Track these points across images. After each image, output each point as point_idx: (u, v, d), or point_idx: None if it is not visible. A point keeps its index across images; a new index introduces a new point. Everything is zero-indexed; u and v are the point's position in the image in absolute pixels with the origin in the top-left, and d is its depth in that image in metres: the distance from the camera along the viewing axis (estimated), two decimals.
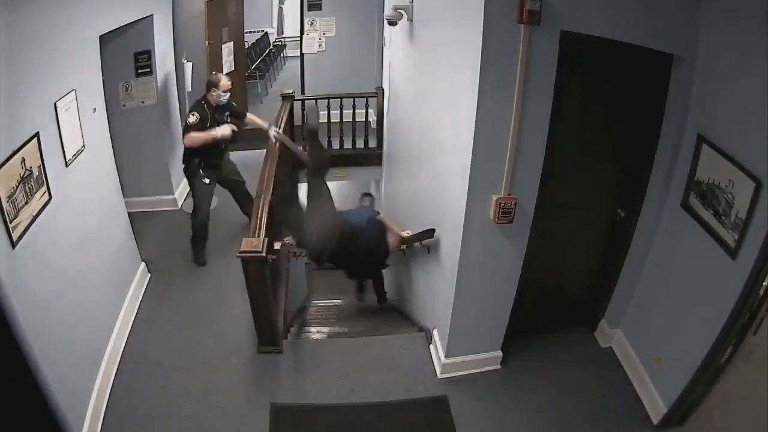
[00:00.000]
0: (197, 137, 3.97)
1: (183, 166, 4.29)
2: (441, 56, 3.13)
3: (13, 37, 2.28)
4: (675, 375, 2.77)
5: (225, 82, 4.10)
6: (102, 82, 3.46)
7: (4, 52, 2.21)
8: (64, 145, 2.79)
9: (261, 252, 2.95)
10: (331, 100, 5.37)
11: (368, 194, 6.05)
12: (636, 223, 3.08)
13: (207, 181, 4.22)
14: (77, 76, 3.03)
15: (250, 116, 4.52)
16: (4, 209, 2.15)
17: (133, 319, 3.71)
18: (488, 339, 3.28)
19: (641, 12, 2.39)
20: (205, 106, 4.07)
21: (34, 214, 2.42)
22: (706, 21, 2.43)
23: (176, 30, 5.25)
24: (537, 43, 2.31)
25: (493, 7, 2.23)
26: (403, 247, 3.76)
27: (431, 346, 3.48)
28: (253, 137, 5.07)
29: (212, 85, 4.08)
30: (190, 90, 5.10)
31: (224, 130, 4.09)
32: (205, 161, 4.17)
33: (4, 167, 2.17)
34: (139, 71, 4.52)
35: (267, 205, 3.38)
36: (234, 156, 4.68)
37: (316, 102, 5.46)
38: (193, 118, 3.97)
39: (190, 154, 4.13)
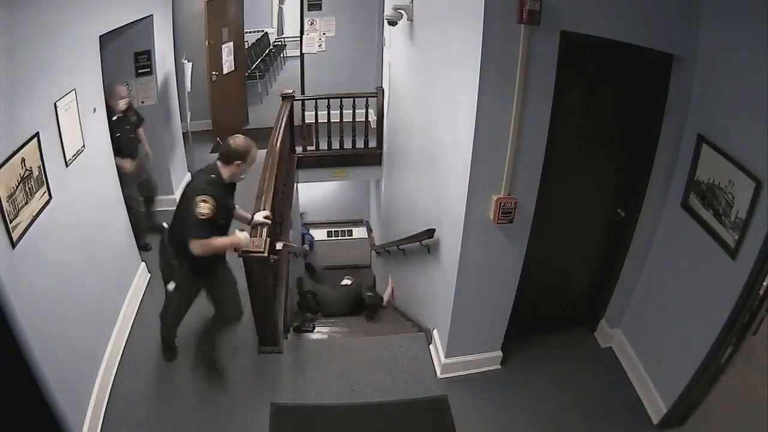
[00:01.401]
0: (212, 245, 2.71)
1: (188, 263, 2.91)
2: (441, 56, 3.13)
3: (13, 37, 2.28)
4: (675, 375, 2.77)
5: (255, 153, 2.86)
6: (102, 82, 3.46)
7: (4, 52, 2.21)
8: (64, 145, 2.79)
9: (263, 252, 2.95)
10: (331, 100, 5.38)
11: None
12: (636, 223, 3.08)
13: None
14: (77, 76, 3.03)
15: (238, 210, 3.13)
16: (4, 209, 2.15)
17: (133, 319, 3.70)
18: (488, 339, 3.28)
19: (641, 12, 2.39)
20: (220, 186, 2.80)
21: (34, 214, 2.41)
22: (706, 21, 2.43)
23: (176, 30, 5.26)
24: (537, 43, 2.31)
25: (493, 7, 2.24)
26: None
27: (431, 346, 3.48)
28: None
29: (238, 157, 2.78)
30: (189, 90, 5.10)
31: (243, 238, 2.90)
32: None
33: (4, 167, 2.17)
34: (139, 71, 4.52)
35: (269, 206, 3.38)
36: None
37: (315, 102, 5.48)
38: (206, 208, 2.64)
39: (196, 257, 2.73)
